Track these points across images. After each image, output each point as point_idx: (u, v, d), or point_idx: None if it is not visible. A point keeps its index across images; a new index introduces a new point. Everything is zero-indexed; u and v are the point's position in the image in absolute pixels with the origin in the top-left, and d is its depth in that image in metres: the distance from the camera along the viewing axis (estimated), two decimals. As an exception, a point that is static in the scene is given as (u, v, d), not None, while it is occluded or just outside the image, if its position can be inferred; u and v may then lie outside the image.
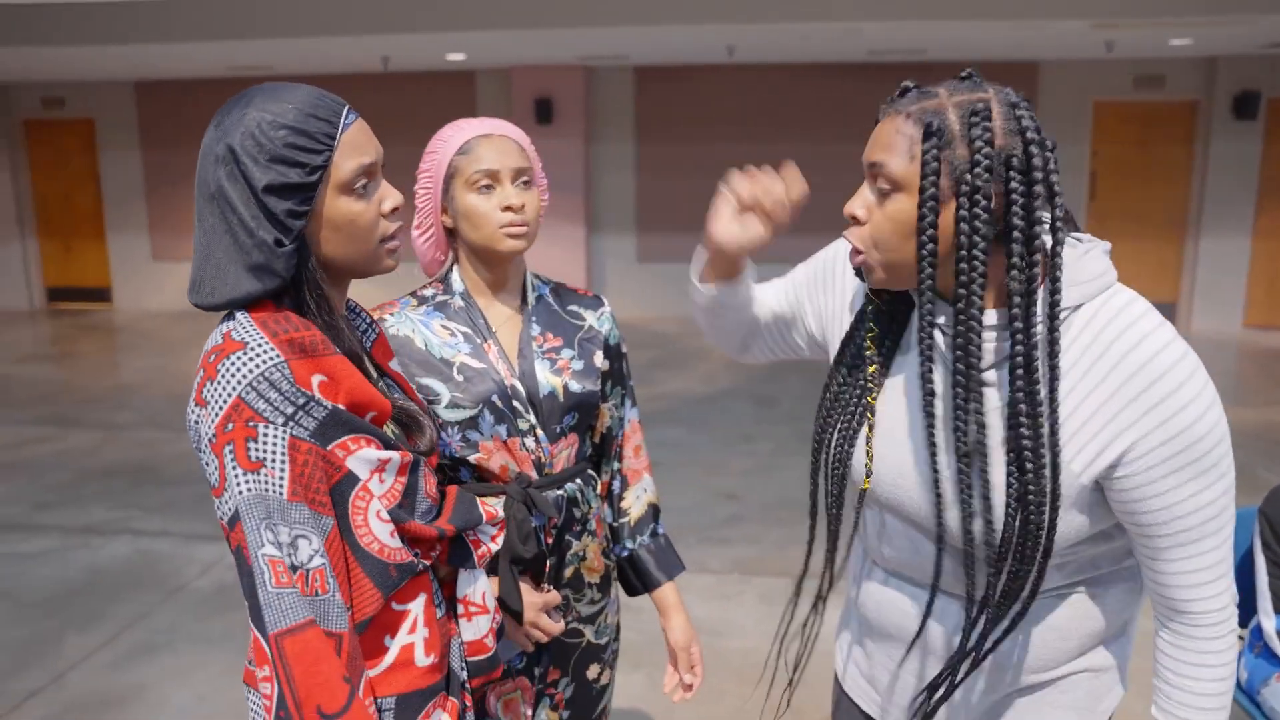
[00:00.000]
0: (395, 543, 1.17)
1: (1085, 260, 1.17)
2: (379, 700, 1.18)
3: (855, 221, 1.20)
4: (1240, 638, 2.49)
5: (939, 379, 1.22)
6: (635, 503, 1.80)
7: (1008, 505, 1.14)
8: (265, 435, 1.07)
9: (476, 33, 7.51)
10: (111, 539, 4.52)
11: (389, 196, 1.21)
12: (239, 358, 1.08)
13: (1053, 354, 1.11)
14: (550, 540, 1.64)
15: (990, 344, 1.18)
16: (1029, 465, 1.11)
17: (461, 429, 1.56)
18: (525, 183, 1.59)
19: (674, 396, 7.05)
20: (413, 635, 1.21)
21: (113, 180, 11.14)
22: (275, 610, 1.06)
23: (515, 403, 1.58)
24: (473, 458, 1.58)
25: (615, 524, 1.80)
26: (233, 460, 1.06)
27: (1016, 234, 1.10)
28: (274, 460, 1.07)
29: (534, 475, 1.61)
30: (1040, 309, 1.13)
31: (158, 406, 6.94)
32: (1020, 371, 1.11)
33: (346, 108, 1.17)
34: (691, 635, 1.79)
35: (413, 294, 1.66)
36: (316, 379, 1.11)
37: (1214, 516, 1.14)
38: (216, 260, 1.12)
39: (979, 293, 1.11)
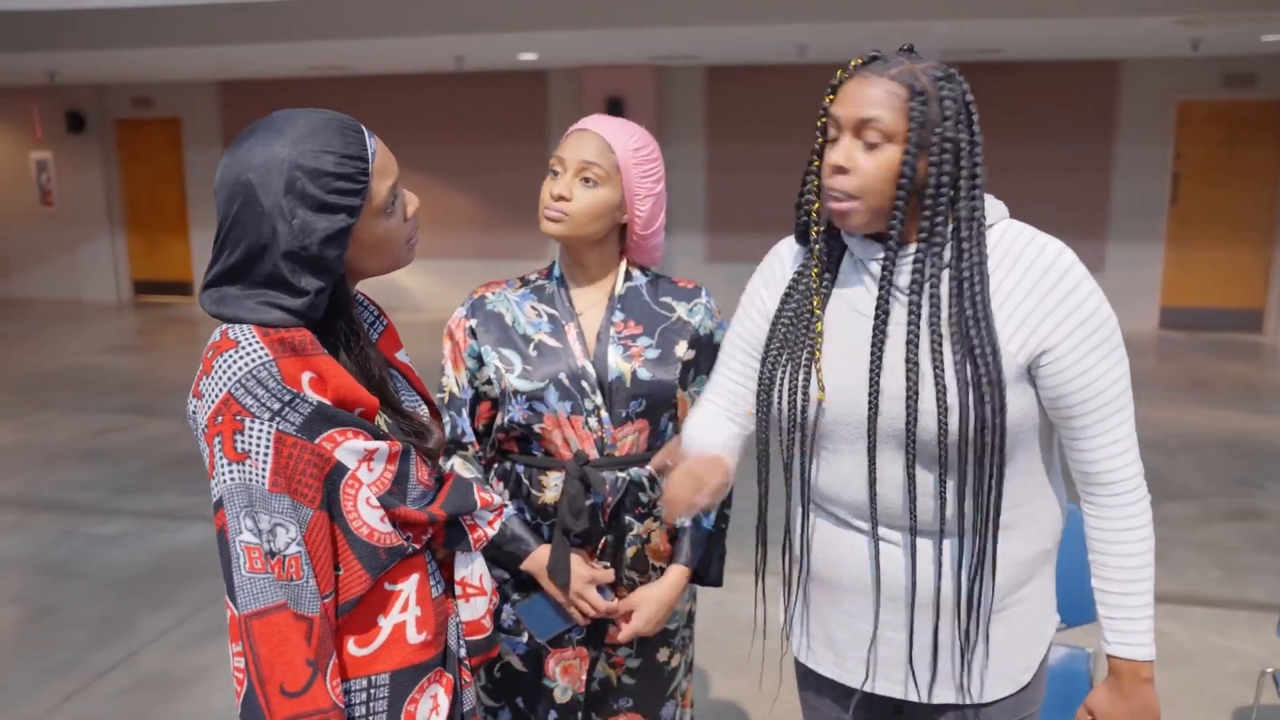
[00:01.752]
0: (385, 527, 1.24)
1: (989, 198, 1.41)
2: (373, 676, 1.25)
3: (840, 171, 1.34)
4: None
5: (869, 299, 1.42)
6: None
7: (961, 387, 1.32)
8: (251, 429, 1.14)
9: (548, 33, 7.58)
10: (185, 525, 4.68)
11: (411, 203, 1.28)
12: (231, 355, 1.15)
13: (983, 262, 1.34)
14: (607, 519, 1.70)
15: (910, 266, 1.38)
16: (976, 350, 1.32)
17: (528, 399, 1.68)
18: (587, 178, 1.65)
19: (737, 397, 7.04)
20: (404, 614, 1.28)
21: (197, 177, 11.50)
22: (247, 593, 1.13)
23: (584, 383, 1.67)
24: (537, 427, 1.68)
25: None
26: (220, 450, 1.14)
27: (967, 175, 1.33)
28: (258, 452, 1.14)
29: (594, 454, 1.69)
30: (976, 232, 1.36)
31: (234, 397, 7.15)
32: (968, 278, 1.33)
33: (366, 133, 1.23)
34: (657, 615, 1.73)
35: (520, 277, 1.81)
36: (306, 376, 1.17)
37: (1124, 391, 1.37)
38: (248, 284, 1.19)
39: (941, 226, 1.34)
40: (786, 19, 7.08)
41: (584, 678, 1.76)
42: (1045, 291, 1.35)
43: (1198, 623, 3.63)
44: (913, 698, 1.48)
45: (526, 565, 1.70)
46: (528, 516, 1.74)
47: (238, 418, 1.13)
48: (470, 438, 1.74)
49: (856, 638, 1.49)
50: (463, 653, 1.40)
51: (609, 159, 1.66)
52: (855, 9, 6.93)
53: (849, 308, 1.44)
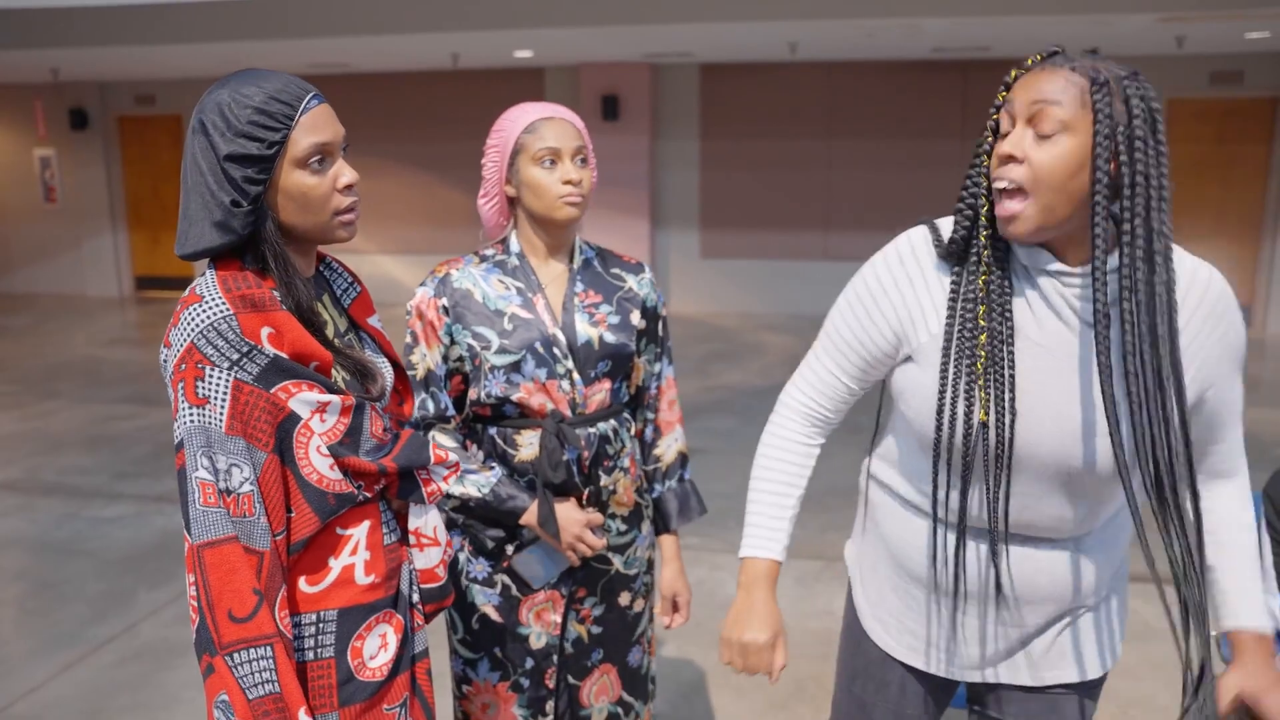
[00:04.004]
0: (334, 475, 1.34)
1: None
2: (322, 612, 1.36)
3: (1010, 160, 1.27)
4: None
5: (1034, 322, 1.35)
6: (667, 450, 2.02)
7: (1150, 424, 1.26)
8: (211, 376, 1.25)
9: (544, 30, 7.69)
10: (185, 507, 4.79)
11: (344, 173, 1.34)
12: (196, 309, 1.27)
13: (1174, 285, 1.27)
14: (585, 471, 1.86)
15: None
16: (1167, 381, 1.25)
17: (506, 372, 1.80)
18: (582, 160, 1.81)
19: (729, 388, 7.15)
20: (353, 557, 1.39)
21: (199, 174, 11.61)
22: (200, 525, 1.24)
23: (555, 349, 1.81)
24: (515, 396, 1.80)
25: (649, 469, 2.02)
26: (183, 395, 1.25)
27: (1157, 182, 1.23)
28: (217, 397, 1.25)
29: (568, 414, 1.83)
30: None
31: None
32: (1162, 302, 1.25)
33: (312, 94, 1.32)
34: (679, 586, 2.04)
35: (476, 253, 1.90)
36: (265, 331, 1.28)
37: (1241, 401, 1.45)
38: (190, 216, 1.29)
39: (1132, 240, 1.24)
40: (779, 16, 7.19)
41: (556, 620, 1.89)
42: (1214, 327, 1.35)
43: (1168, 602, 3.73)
44: (1026, 681, 1.55)
45: (526, 519, 1.81)
46: (505, 475, 1.85)
47: (199, 366, 1.24)
48: (452, 412, 1.85)
49: (974, 634, 1.54)
50: (415, 598, 1.50)
51: (585, 139, 1.83)
52: (847, 6, 7.03)
53: (1023, 335, 1.36)
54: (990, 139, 1.33)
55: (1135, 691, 3.10)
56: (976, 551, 1.47)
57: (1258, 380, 7.42)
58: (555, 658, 1.90)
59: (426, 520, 1.49)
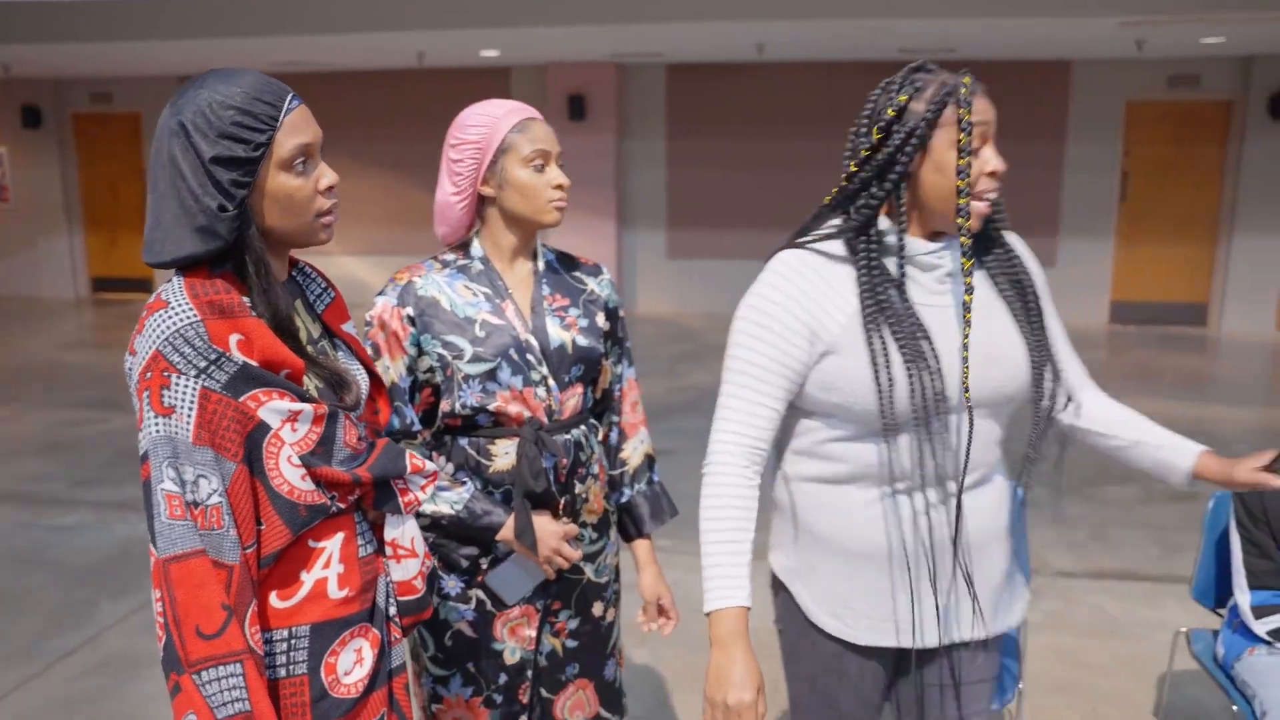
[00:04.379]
0: (306, 485, 1.30)
1: None
2: (294, 628, 1.32)
3: (996, 176, 1.52)
4: (1220, 614, 2.55)
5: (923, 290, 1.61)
6: (633, 454, 1.98)
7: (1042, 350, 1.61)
8: (177, 384, 1.21)
9: (511, 29, 7.64)
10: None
11: (326, 175, 1.32)
12: (162, 315, 1.23)
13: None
14: (562, 480, 1.81)
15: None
16: (1037, 317, 1.62)
17: (481, 381, 1.73)
18: (562, 165, 1.77)
19: (697, 389, 7.14)
20: (326, 570, 1.35)
21: (157, 173, 11.42)
22: (166, 538, 1.20)
23: (529, 355, 1.75)
24: (491, 405, 1.74)
25: (615, 473, 1.97)
26: (148, 403, 1.21)
27: None
28: (183, 406, 1.21)
29: (545, 421, 1.78)
30: None
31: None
32: (1019, 259, 1.64)
33: (291, 94, 1.28)
34: (661, 589, 1.96)
35: (434, 258, 1.82)
36: (234, 338, 1.24)
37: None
38: (166, 223, 1.24)
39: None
40: (747, 17, 7.20)
41: (531, 635, 1.84)
42: (1035, 272, 1.68)
43: (1131, 597, 3.78)
44: (980, 635, 1.67)
45: (503, 535, 1.74)
46: (478, 488, 1.79)
47: (165, 374, 1.20)
48: (419, 427, 1.79)
49: (931, 595, 1.62)
50: (392, 611, 1.46)
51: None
52: (815, 7, 7.05)
53: (918, 303, 1.58)
54: (915, 145, 1.50)
55: (1108, 689, 3.13)
56: (927, 508, 1.59)
57: (1215, 377, 7.54)
58: (529, 672, 1.86)
59: (404, 531, 1.45)
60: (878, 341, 1.51)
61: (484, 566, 1.80)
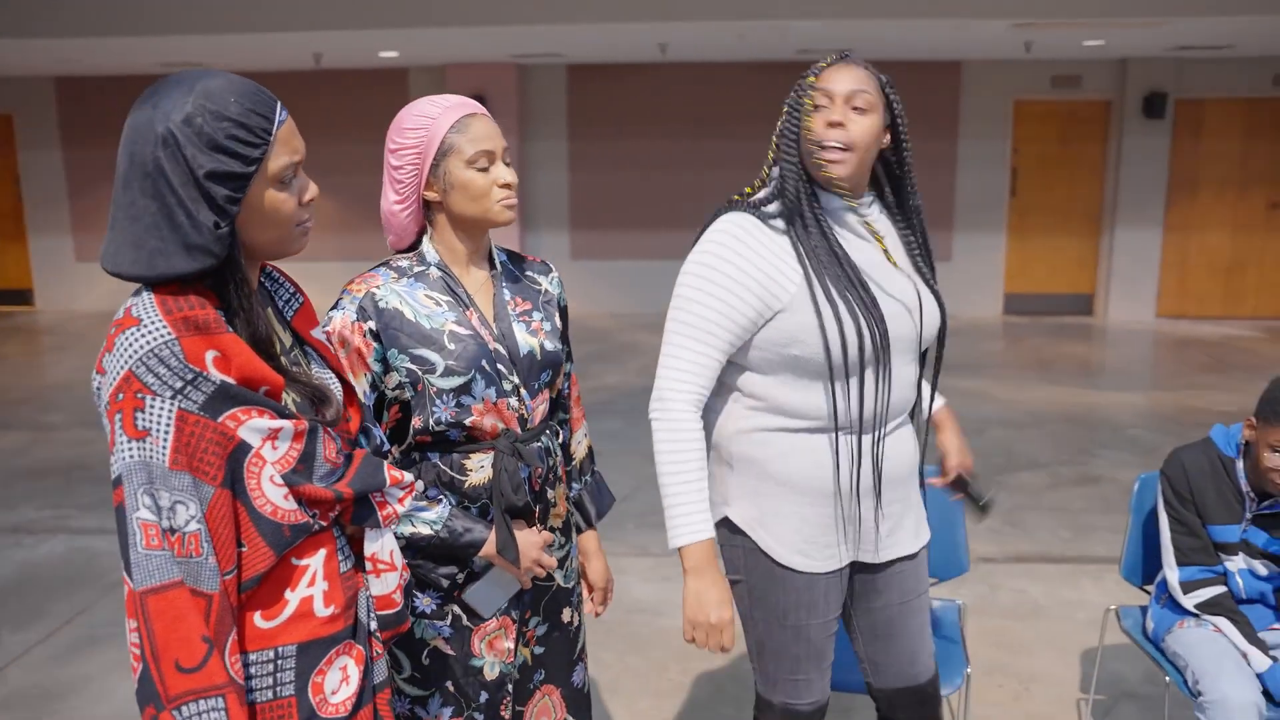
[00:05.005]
0: (289, 505, 1.26)
1: None
2: (281, 648, 1.27)
3: (838, 127, 1.70)
4: (1147, 591, 2.66)
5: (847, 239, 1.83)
6: (579, 447, 1.97)
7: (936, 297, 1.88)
8: (152, 406, 1.15)
9: (410, 30, 7.51)
10: (46, 538, 4.46)
11: (309, 188, 1.29)
12: (133, 333, 1.16)
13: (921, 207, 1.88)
14: (536, 488, 1.77)
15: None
16: (930, 268, 1.89)
17: (455, 395, 1.66)
18: (507, 162, 1.71)
19: (611, 389, 7.14)
20: (311, 588, 1.31)
21: (33, 180, 10.86)
22: (143, 570, 1.15)
23: (499, 365, 1.69)
24: (467, 421, 1.67)
25: (567, 469, 1.94)
26: (120, 427, 1.15)
27: (907, 146, 1.84)
28: (159, 429, 1.15)
29: (519, 431, 1.73)
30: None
31: (88, 407, 6.82)
32: (919, 219, 1.87)
33: (279, 104, 1.25)
34: (609, 577, 2.03)
35: (387, 265, 1.73)
36: (210, 355, 1.18)
37: None
38: (142, 235, 1.17)
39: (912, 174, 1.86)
40: (649, 18, 7.22)
41: (509, 647, 1.79)
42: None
43: (1049, 579, 3.92)
44: (911, 550, 1.94)
45: (485, 552, 1.67)
46: (453, 504, 1.71)
47: (139, 395, 1.15)
48: (387, 446, 1.68)
49: (853, 526, 1.87)
50: (373, 626, 1.42)
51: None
52: (717, 8, 7.12)
53: (847, 249, 1.80)
54: (798, 116, 1.75)
55: (1034, 669, 3.24)
56: (873, 443, 1.83)
57: (1103, 365, 7.89)
58: (510, 686, 1.80)
59: (383, 544, 1.41)
60: (826, 295, 1.72)
61: (460, 582, 1.74)
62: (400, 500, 1.44)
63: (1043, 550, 4.23)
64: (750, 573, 1.89)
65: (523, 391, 1.73)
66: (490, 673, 1.78)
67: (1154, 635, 2.49)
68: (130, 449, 1.15)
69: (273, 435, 1.23)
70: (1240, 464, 2.34)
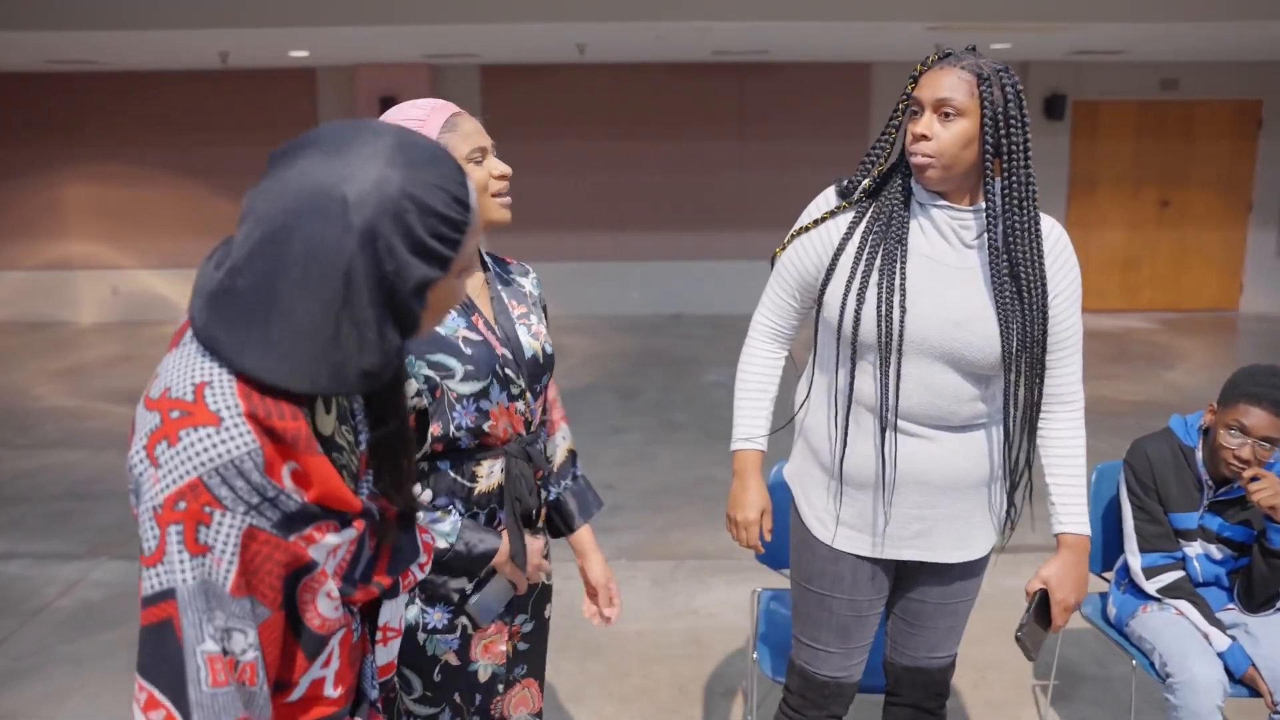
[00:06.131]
0: (337, 614, 1.14)
1: None
2: None
3: (923, 139, 1.71)
4: (1105, 578, 2.73)
5: (928, 244, 1.81)
6: (557, 450, 1.94)
7: (1013, 317, 1.76)
8: (220, 522, 0.97)
9: (320, 29, 7.31)
10: (-48, 564, 4.19)
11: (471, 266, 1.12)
12: (209, 435, 0.96)
13: (1038, 219, 1.75)
14: (537, 491, 1.78)
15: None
16: (1037, 292, 1.75)
17: (475, 400, 1.64)
18: (495, 157, 1.68)
19: (539, 393, 7.07)
20: (325, 669, 1.17)
21: (-90, 184, 10.25)
22: (209, 711, 0.98)
23: (508, 370, 1.68)
24: (486, 426, 1.65)
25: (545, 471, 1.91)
26: (179, 542, 0.96)
27: (1022, 146, 1.70)
28: (224, 548, 0.98)
29: (525, 434, 1.73)
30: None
31: (-16, 424, 6.46)
32: (1028, 230, 1.73)
33: (465, 174, 1.05)
34: (609, 573, 1.97)
35: None
36: (288, 468, 1.01)
37: (1081, 333, 1.88)
38: (291, 344, 0.97)
39: (1013, 187, 1.71)
40: (567, 18, 7.17)
41: (504, 650, 1.79)
42: (1063, 265, 1.82)
43: (994, 568, 4.01)
44: (942, 560, 1.91)
45: (499, 560, 1.67)
46: (462, 514, 1.70)
47: (206, 509, 0.96)
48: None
49: (882, 518, 1.89)
50: (374, 695, 1.30)
51: None
52: (636, 9, 7.11)
53: (917, 251, 1.80)
54: (899, 119, 1.78)
55: (989, 656, 3.31)
56: (882, 435, 1.83)
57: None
58: (500, 686, 1.80)
59: (395, 612, 1.30)
60: (863, 272, 1.78)
61: (468, 592, 1.71)
62: (421, 566, 1.37)
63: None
64: (794, 529, 2.02)
65: (528, 395, 1.72)
66: (484, 675, 1.78)
67: (1116, 620, 2.56)
68: (189, 567, 0.96)
69: (335, 549, 1.09)
70: (1199, 453, 2.42)
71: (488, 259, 1.80)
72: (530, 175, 10.19)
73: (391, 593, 1.28)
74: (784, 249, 1.93)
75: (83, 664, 3.33)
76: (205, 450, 0.96)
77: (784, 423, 2.16)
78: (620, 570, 4.03)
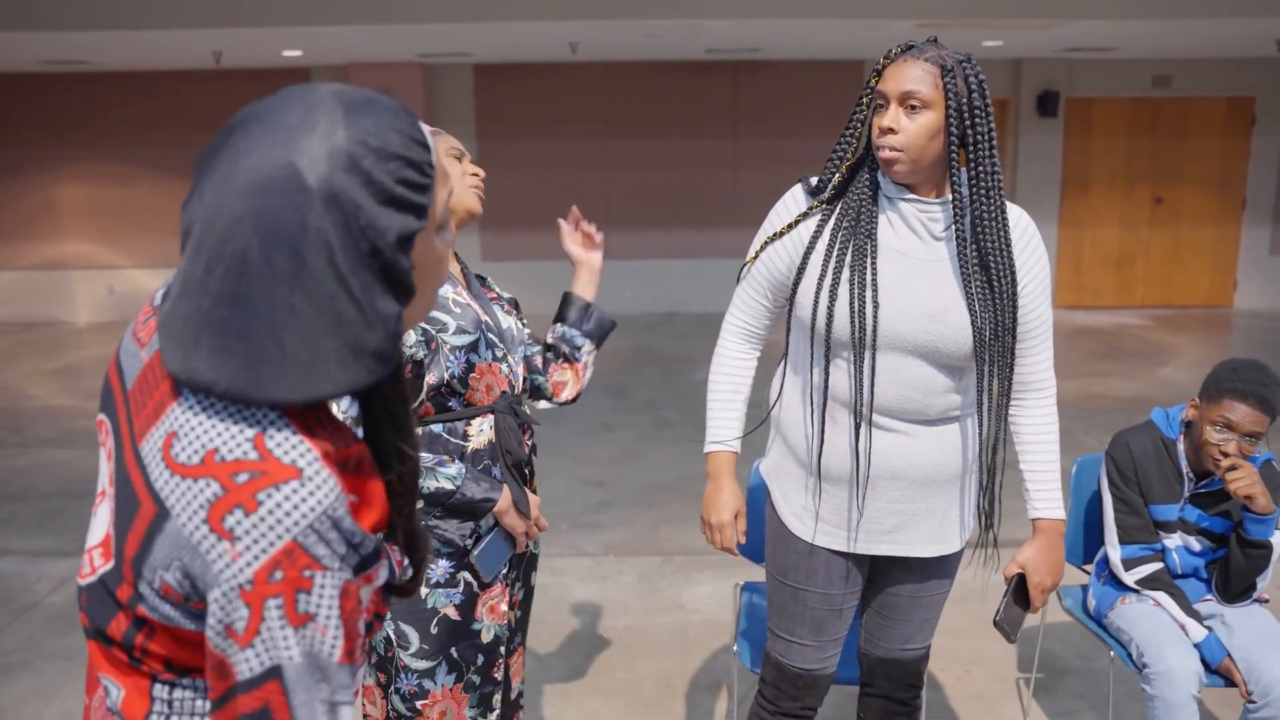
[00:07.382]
0: (363, 652, 0.99)
1: None
2: None
3: (890, 132, 1.69)
4: (1086, 571, 2.75)
5: (896, 237, 1.81)
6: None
7: (984, 308, 1.74)
8: (320, 584, 0.85)
9: (314, 28, 7.32)
10: (-56, 562, 4.21)
11: (451, 229, 1.01)
12: (295, 491, 0.84)
13: (1005, 208, 1.74)
14: (528, 450, 1.90)
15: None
16: (1001, 276, 1.74)
17: (465, 352, 1.78)
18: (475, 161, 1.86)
19: (532, 391, 7.09)
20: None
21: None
22: None
23: (490, 334, 1.84)
24: (470, 378, 1.78)
25: (553, 339, 2.09)
26: (279, 617, 0.83)
27: (987, 137, 1.69)
28: (328, 614, 0.85)
29: (510, 393, 1.87)
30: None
31: (-23, 424, 6.47)
32: (994, 220, 1.72)
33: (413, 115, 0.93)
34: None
35: None
36: (349, 501, 0.89)
37: (1051, 321, 1.88)
38: (297, 346, 0.84)
39: (993, 169, 1.70)
40: (559, 16, 7.19)
41: (506, 610, 1.89)
42: (1030, 254, 1.82)
43: (978, 564, 4.03)
44: (919, 554, 1.92)
45: (500, 508, 1.79)
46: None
47: (306, 573, 0.83)
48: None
49: (859, 514, 1.89)
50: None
51: None
52: (628, 7, 7.12)
53: (887, 246, 1.79)
54: (862, 112, 1.77)
55: (973, 650, 3.32)
56: (855, 430, 1.83)
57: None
58: (503, 649, 1.89)
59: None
60: (834, 268, 1.78)
61: (469, 545, 1.81)
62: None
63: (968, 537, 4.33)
64: (769, 522, 2.02)
65: (510, 360, 1.86)
66: (486, 635, 1.86)
67: (1096, 612, 2.58)
68: (296, 642, 0.83)
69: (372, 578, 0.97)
70: (1181, 445, 2.44)
71: (461, 264, 1.96)
72: (523, 174, 10.20)
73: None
74: (755, 259, 1.91)
75: (72, 659, 3.34)
76: (296, 508, 0.83)
77: (756, 424, 2.11)
78: (608, 566, 4.05)
